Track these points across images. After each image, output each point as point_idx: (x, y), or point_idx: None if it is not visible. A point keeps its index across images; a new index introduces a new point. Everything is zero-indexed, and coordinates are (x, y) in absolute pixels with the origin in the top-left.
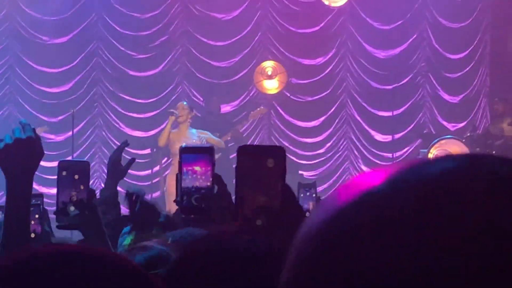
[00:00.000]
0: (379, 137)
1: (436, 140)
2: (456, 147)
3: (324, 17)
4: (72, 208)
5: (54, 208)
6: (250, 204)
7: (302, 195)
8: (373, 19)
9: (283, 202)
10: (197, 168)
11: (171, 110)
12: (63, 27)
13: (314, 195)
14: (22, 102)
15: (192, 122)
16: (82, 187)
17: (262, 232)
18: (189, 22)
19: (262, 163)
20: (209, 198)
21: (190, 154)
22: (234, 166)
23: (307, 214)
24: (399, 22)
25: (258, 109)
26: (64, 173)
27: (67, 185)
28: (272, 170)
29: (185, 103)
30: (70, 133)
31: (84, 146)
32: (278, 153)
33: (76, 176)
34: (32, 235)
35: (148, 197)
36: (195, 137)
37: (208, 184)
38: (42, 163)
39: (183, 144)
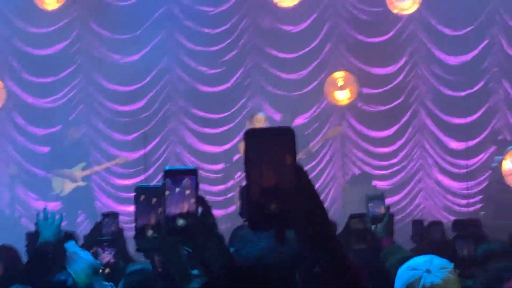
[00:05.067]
0: (453, 144)
1: (511, 147)
2: None
3: (394, 25)
4: (150, 232)
5: (130, 225)
6: (261, 189)
7: (370, 204)
8: (443, 25)
9: (296, 185)
10: (181, 190)
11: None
12: (134, 45)
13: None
14: (96, 121)
15: None
16: (159, 211)
17: (276, 216)
18: (258, 36)
19: (271, 145)
20: (194, 220)
21: (174, 176)
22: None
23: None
24: (470, 28)
25: (334, 127)
26: (142, 197)
27: (145, 209)
28: (282, 152)
29: (261, 113)
30: (143, 151)
31: (159, 162)
32: (287, 133)
33: (154, 200)
34: (107, 271)
35: (223, 212)
36: None
37: (193, 206)
38: (118, 181)
39: (167, 167)
